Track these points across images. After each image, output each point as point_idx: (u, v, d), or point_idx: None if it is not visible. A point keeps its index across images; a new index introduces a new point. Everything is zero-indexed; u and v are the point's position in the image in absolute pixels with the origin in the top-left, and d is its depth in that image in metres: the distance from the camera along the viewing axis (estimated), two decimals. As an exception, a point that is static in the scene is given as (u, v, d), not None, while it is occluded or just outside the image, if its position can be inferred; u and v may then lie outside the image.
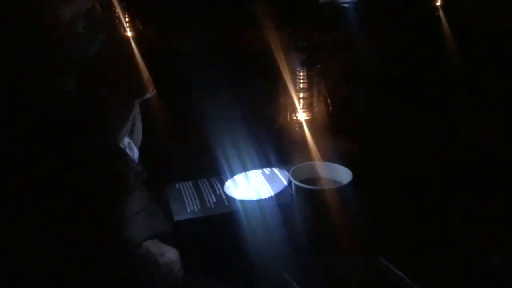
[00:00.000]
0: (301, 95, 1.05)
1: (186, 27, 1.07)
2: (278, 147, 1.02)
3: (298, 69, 1.03)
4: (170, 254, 0.79)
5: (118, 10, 0.91)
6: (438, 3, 1.54)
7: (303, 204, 0.80)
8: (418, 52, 1.28)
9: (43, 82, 0.66)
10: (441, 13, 1.51)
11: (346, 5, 1.66)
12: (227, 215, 0.86)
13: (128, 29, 0.98)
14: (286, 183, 0.94)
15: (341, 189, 0.78)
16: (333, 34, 1.25)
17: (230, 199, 0.89)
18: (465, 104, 1.21)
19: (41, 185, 0.65)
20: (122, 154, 0.76)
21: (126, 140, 0.83)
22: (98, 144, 0.68)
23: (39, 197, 0.65)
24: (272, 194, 0.91)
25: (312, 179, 0.84)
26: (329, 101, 1.04)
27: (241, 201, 0.88)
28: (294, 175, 0.82)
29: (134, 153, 0.87)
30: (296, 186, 0.79)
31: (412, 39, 1.31)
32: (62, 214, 0.67)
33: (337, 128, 1.01)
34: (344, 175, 0.82)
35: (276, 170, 0.99)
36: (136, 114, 0.87)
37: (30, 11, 0.67)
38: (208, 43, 1.06)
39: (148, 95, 0.78)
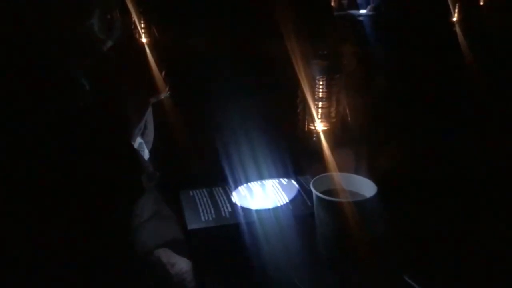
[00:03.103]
0: (320, 104, 1.02)
1: (205, 35, 1.06)
2: (295, 156, 0.99)
3: (317, 77, 1.00)
4: (181, 264, 0.76)
5: (134, 16, 0.90)
6: (454, 19, 1.54)
7: (324, 216, 0.76)
8: (435, 63, 1.27)
9: (56, 77, 0.64)
10: (457, 28, 1.50)
11: (361, 18, 1.66)
12: (242, 225, 0.83)
13: (143, 35, 0.97)
14: (302, 193, 0.91)
15: (365, 202, 0.75)
16: (350, 44, 1.23)
17: (245, 209, 0.86)
18: (491, 113, 1.19)
19: (52, 183, 0.62)
20: (135, 153, 0.73)
21: (138, 140, 0.81)
22: (111, 140, 0.66)
23: (49, 196, 0.62)
24: (288, 203, 0.88)
25: (333, 191, 0.81)
26: (348, 111, 1.02)
27: (257, 211, 0.85)
28: (315, 186, 0.78)
29: (145, 154, 0.84)
30: (319, 197, 0.76)
31: (430, 53, 1.30)
32: (72, 215, 0.64)
33: (356, 139, 0.99)
34: (367, 187, 0.78)
35: (292, 180, 0.96)
36: (149, 115, 0.85)
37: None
38: (227, 50, 1.04)
39: (162, 95, 0.76)
